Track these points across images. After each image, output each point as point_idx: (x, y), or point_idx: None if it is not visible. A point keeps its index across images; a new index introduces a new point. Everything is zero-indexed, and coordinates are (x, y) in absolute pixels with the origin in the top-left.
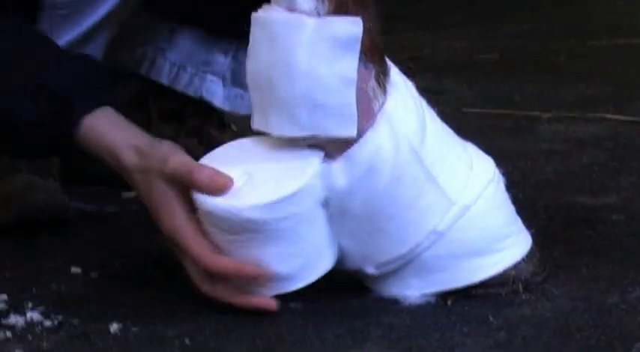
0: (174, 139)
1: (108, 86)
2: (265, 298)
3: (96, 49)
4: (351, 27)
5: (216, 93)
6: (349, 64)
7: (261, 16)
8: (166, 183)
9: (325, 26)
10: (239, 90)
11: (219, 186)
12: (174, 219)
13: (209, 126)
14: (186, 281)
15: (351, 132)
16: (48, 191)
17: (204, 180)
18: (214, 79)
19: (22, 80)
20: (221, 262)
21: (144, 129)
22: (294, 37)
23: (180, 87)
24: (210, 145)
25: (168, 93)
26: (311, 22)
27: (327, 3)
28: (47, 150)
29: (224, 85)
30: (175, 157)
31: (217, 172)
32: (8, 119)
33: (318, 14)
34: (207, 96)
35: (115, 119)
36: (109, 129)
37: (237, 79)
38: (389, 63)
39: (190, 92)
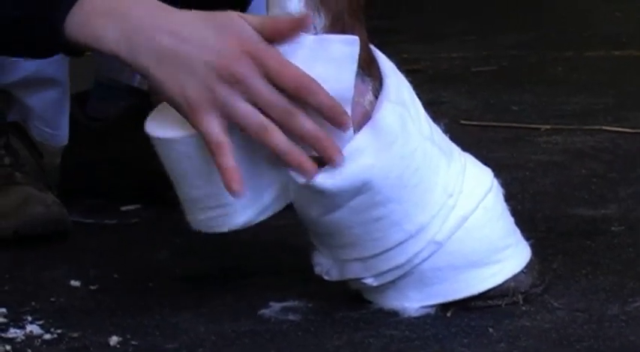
0: None
1: None
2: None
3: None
4: (348, 47)
5: None
6: (346, 83)
7: None
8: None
9: (322, 45)
10: None
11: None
12: (250, 34)
13: None
14: (187, 295)
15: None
16: (46, 204)
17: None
18: None
19: None
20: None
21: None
22: (290, 54)
23: None
24: None
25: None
26: (308, 40)
27: (323, 17)
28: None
29: None
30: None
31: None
32: None
33: (315, 29)
34: None
35: None
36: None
37: None
38: (393, 67)
39: None
